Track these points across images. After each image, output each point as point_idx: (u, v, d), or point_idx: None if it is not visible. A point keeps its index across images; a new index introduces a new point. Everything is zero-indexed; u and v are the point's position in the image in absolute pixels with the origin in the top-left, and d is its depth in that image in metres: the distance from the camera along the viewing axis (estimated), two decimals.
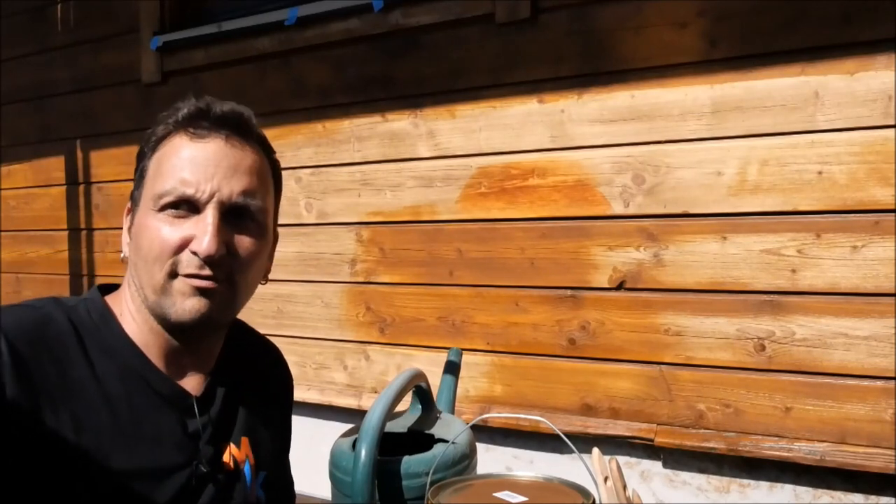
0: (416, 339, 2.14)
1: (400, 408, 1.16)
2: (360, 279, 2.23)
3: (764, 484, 1.71)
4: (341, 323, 2.26)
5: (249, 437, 1.08)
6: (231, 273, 0.97)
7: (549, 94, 1.92)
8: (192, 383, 1.03)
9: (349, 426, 1.26)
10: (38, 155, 3.09)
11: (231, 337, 1.13)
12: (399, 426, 1.17)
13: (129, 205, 1.02)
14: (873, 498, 1.60)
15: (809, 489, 1.66)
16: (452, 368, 1.42)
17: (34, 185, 3.14)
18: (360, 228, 2.23)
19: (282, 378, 1.27)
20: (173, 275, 0.94)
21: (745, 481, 1.73)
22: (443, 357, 1.65)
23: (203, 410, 1.01)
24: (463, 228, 2.06)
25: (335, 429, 1.44)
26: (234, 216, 0.97)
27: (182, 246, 0.94)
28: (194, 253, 0.93)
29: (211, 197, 0.95)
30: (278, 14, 2.35)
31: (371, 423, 1.00)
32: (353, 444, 1.01)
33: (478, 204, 2.03)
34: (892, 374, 1.57)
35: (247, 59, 2.44)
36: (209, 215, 0.94)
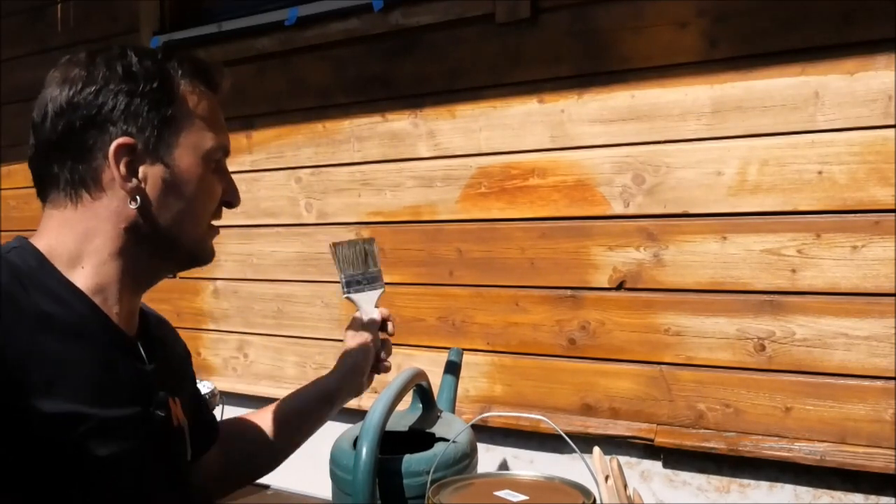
0: (417, 339, 2.14)
1: (400, 407, 1.16)
2: None
3: (764, 484, 1.71)
4: (341, 323, 2.26)
5: (179, 395, 1.11)
6: None
7: (549, 94, 1.92)
8: (131, 330, 1.04)
9: (349, 426, 1.26)
10: None
11: None
12: (400, 425, 1.17)
13: (126, 140, 0.96)
14: (873, 498, 1.60)
15: (809, 489, 1.66)
16: (453, 368, 1.42)
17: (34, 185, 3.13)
18: (360, 228, 2.23)
19: (174, 334, 1.28)
20: (210, 224, 1.06)
21: (745, 481, 1.73)
22: (443, 357, 1.65)
23: (149, 357, 1.04)
24: (463, 228, 2.06)
25: (335, 429, 1.44)
26: None
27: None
28: (228, 204, 1.06)
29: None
30: (278, 14, 2.35)
31: (372, 422, 1.00)
32: (354, 443, 1.02)
33: (478, 204, 2.03)
34: (892, 374, 1.57)
35: (247, 59, 2.43)
36: (227, 171, 1.07)
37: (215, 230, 1.07)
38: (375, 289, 1.50)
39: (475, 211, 2.03)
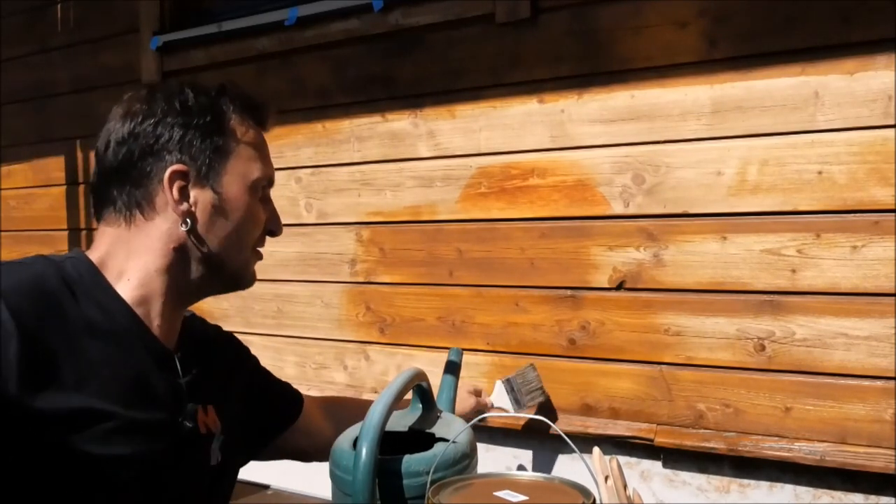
0: (417, 339, 2.14)
1: (400, 407, 1.16)
2: (360, 279, 2.23)
3: (764, 484, 1.71)
4: (341, 323, 2.26)
5: (216, 404, 1.16)
6: None
7: (549, 94, 1.92)
8: (171, 344, 1.11)
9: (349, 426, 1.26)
10: (38, 155, 3.09)
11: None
12: (400, 425, 1.17)
13: (180, 167, 1.05)
14: (873, 498, 1.60)
15: (809, 489, 1.66)
16: (453, 368, 1.43)
17: (34, 185, 3.14)
18: (360, 228, 2.23)
19: (226, 342, 1.35)
20: (253, 250, 1.12)
21: (745, 481, 1.73)
22: (443, 357, 1.65)
23: (185, 369, 1.10)
24: (463, 228, 2.06)
25: None
26: None
27: None
28: (271, 233, 1.14)
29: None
30: (278, 14, 2.35)
31: (372, 422, 1.00)
32: (354, 444, 1.02)
33: (478, 204, 2.03)
34: (892, 374, 1.57)
35: (247, 59, 2.44)
36: (272, 200, 1.14)
37: (258, 255, 1.14)
38: (535, 399, 1.85)
39: (475, 211, 2.03)
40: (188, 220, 1.05)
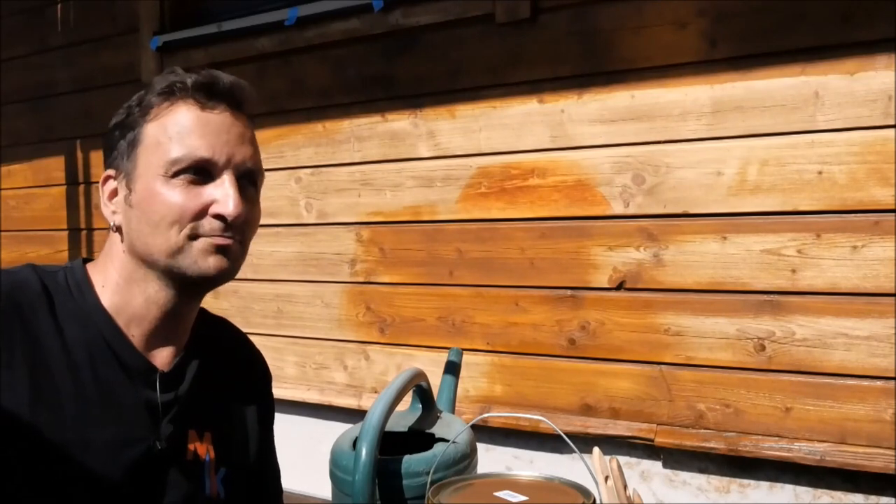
0: (417, 339, 2.14)
1: (400, 407, 1.16)
2: (360, 279, 2.23)
3: (764, 484, 1.71)
4: (341, 323, 2.26)
5: (215, 431, 1.08)
6: (243, 233, 1.02)
7: (549, 94, 1.92)
8: (164, 357, 1.04)
9: (349, 426, 1.26)
10: (38, 155, 3.09)
11: (207, 324, 1.15)
12: (399, 426, 1.17)
13: (109, 173, 1.02)
14: (873, 498, 1.60)
15: (809, 489, 1.66)
16: (453, 368, 1.42)
17: (34, 185, 3.14)
18: (360, 228, 2.23)
19: (260, 374, 1.25)
20: (193, 237, 0.97)
21: (745, 481, 1.73)
22: (443, 357, 1.65)
23: (170, 387, 1.03)
24: (463, 228, 2.06)
25: (335, 429, 1.44)
26: (241, 182, 1.01)
27: (202, 212, 0.97)
28: (218, 217, 0.97)
29: (228, 162, 0.99)
30: (278, 14, 2.35)
31: (371, 422, 1.00)
32: (354, 444, 1.01)
33: (478, 204, 2.03)
34: (892, 374, 1.57)
35: (247, 59, 2.43)
36: (227, 181, 0.98)
37: (204, 243, 0.98)
38: None
39: (475, 211, 2.03)
40: (113, 223, 1.01)
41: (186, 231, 0.97)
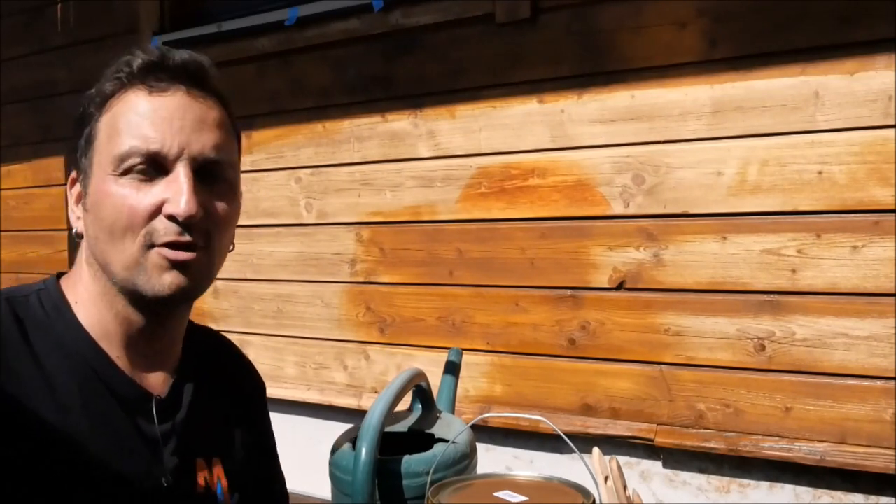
0: (417, 339, 2.14)
1: (400, 407, 1.16)
2: (360, 279, 2.23)
3: (764, 484, 1.71)
4: (341, 323, 2.26)
5: (223, 456, 0.99)
6: (209, 236, 0.87)
7: (549, 94, 1.92)
8: (156, 380, 0.93)
9: (349, 426, 1.25)
10: (38, 155, 3.09)
11: (195, 339, 1.03)
12: (399, 426, 1.17)
13: (72, 174, 0.91)
14: (873, 498, 1.60)
15: (809, 489, 1.66)
16: (452, 368, 1.42)
17: (34, 185, 3.14)
18: (360, 228, 2.23)
19: (254, 386, 1.15)
20: (149, 246, 0.84)
21: (745, 481, 1.73)
22: (443, 357, 1.65)
23: (168, 415, 0.92)
24: (463, 228, 2.06)
25: (335, 429, 1.43)
26: (204, 175, 0.87)
27: (155, 212, 0.84)
28: (170, 217, 0.83)
29: (180, 153, 0.85)
30: (278, 14, 2.35)
31: (371, 422, 1.00)
32: (354, 444, 1.01)
33: (478, 204, 2.03)
34: (892, 374, 1.57)
35: (247, 59, 2.43)
36: (181, 174, 0.84)
37: (158, 257, 0.84)
38: None
39: (475, 211, 2.03)
40: (75, 231, 0.90)
41: (141, 239, 0.83)
